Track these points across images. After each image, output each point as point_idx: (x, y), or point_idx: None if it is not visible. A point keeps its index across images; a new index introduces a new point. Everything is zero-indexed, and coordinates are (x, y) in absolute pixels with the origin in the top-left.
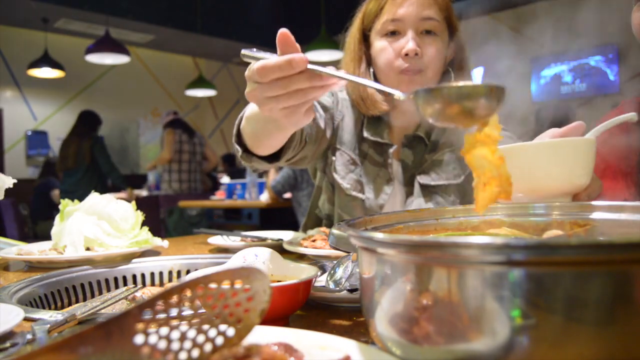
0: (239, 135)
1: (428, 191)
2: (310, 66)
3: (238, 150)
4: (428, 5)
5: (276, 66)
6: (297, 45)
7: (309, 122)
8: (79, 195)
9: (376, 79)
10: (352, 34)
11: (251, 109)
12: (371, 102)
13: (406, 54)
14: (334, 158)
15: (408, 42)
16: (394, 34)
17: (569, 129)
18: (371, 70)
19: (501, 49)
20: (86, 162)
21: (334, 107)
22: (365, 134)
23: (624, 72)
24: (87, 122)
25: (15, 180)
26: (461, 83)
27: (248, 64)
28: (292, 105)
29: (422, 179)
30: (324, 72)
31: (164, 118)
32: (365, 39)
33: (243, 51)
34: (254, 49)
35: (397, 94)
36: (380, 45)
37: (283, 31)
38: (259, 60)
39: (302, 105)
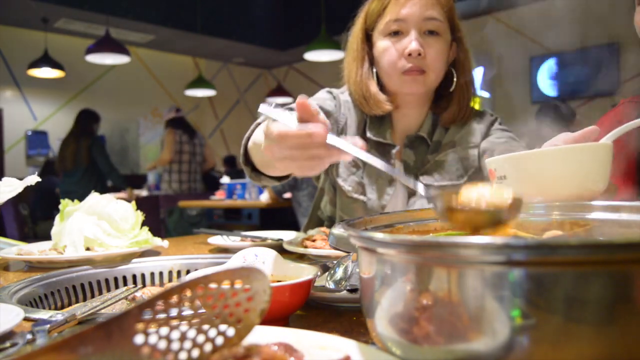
0: (245, 154)
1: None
2: (329, 140)
3: (247, 170)
4: (431, 6)
5: (296, 136)
6: (315, 109)
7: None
8: (78, 195)
9: (379, 79)
10: (355, 33)
11: (259, 137)
12: (374, 102)
13: (409, 54)
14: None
15: (411, 42)
16: (397, 34)
17: (583, 133)
18: (374, 70)
19: (501, 49)
20: (84, 163)
21: (337, 111)
22: (368, 134)
23: (624, 72)
24: (85, 121)
25: (39, 179)
26: (482, 201)
27: (248, 64)
28: (307, 165)
29: (425, 179)
30: (342, 147)
31: (166, 115)
32: (367, 38)
33: (261, 109)
34: (272, 104)
35: (420, 190)
36: (383, 45)
37: (301, 100)
38: (276, 119)
39: (318, 166)
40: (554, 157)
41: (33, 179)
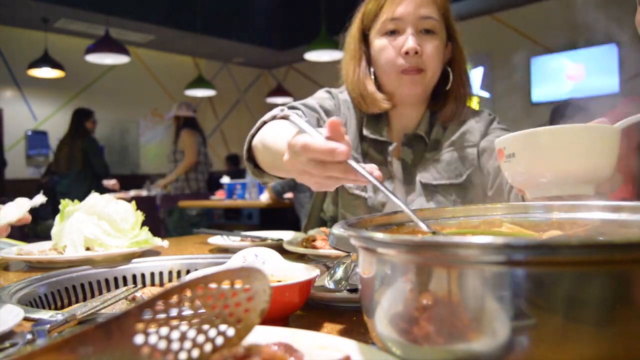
0: (249, 150)
1: (429, 190)
2: (350, 162)
3: (250, 166)
4: (426, 4)
5: (319, 150)
6: (344, 133)
7: None
8: (74, 197)
9: (376, 78)
10: (352, 33)
11: (272, 140)
12: (371, 100)
13: (406, 52)
14: None
15: (407, 40)
16: (393, 33)
17: (594, 123)
18: (371, 69)
19: (501, 49)
20: (79, 165)
21: (336, 111)
22: (365, 132)
23: (624, 72)
24: (78, 121)
25: (45, 199)
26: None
27: (248, 64)
28: (324, 183)
29: (423, 177)
30: (359, 172)
31: (176, 110)
32: (364, 38)
33: (293, 118)
34: (304, 118)
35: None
36: (380, 44)
37: (334, 120)
38: (304, 132)
39: (334, 185)
40: (564, 134)
41: (39, 199)
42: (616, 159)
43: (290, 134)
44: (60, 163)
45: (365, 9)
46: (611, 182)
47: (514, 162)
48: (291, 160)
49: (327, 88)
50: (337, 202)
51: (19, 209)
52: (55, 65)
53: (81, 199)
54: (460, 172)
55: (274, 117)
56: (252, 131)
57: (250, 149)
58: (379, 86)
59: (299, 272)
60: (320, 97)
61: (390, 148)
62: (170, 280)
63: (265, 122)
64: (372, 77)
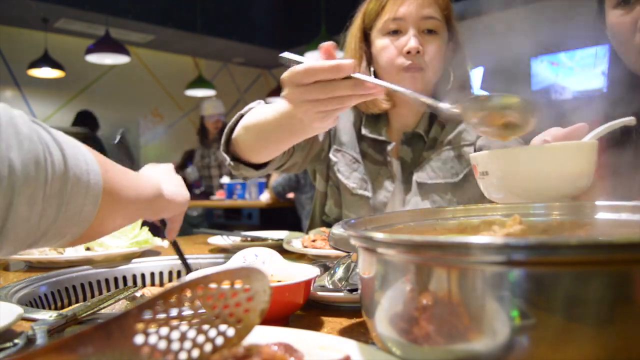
0: (227, 143)
1: (425, 189)
2: (357, 75)
3: (226, 158)
4: (429, 4)
5: (324, 69)
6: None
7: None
8: None
9: (376, 77)
10: (353, 32)
11: (255, 117)
12: (371, 100)
13: (408, 52)
14: (335, 159)
15: (410, 40)
16: (395, 32)
17: (571, 130)
18: (371, 69)
19: (500, 49)
20: None
21: None
22: (364, 132)
23: None
24: (85, 124)
25: None
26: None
27: (248, 64)
28: (329, 110)
29: (419, 177)
30: (367, 80)
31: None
32: (365, 38)
33: (284, 54)
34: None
35: (442, 105)
36: (382, 44)
37: (327, 44)
38: (298, 63)
39: (338, 110)
40: (536, 154)
41: None
42: (593, 171)
43: (278, 105)
44: None
45: (367, 8)
46: (589, 194)
47: (487, 180)
48: (291, 94)
49: None
50: (341, 204)
51: None
52: (55, 65)
53: None
54: (457, 171)
55: (250, 109)
56: (230, 123)
57: (228, 141)
58: None
59: (299, 272)
60: None
61: (389, 148)
62: (170, 280)
63: (242, 115)
64: (372, 76)
